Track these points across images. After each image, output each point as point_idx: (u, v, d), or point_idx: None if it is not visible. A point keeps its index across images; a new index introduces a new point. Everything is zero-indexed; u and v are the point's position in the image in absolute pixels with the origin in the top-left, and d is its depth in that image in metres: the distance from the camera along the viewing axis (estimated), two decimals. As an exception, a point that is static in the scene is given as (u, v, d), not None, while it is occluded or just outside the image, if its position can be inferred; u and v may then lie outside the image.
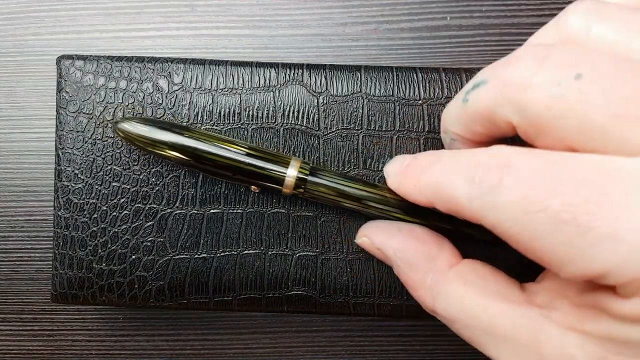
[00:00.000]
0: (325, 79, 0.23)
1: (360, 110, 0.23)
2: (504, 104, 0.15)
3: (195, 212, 0.23)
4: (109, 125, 0.23)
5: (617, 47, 0.15)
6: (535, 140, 0.16)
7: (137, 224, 0.23)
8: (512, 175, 0.14)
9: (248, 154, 0.21)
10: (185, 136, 0.21)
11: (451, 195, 0.16)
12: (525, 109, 0.15)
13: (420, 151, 0.23)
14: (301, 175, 0.21)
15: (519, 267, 0.22)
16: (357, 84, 0.23)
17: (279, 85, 0.23)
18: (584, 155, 0.14)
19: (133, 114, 0.23)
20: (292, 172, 0.21)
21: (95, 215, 0.23)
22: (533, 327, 0.16)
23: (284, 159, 0.21)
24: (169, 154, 0.21)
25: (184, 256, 0.23)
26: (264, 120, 0.23)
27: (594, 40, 0.15)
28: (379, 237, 0.21)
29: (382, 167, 0.23)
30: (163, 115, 0.23)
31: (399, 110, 0.23)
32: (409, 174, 0.19)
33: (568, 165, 0.14)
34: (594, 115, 0.14)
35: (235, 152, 0.21)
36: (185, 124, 0.22)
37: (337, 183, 0.21)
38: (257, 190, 0.22)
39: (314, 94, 0.23)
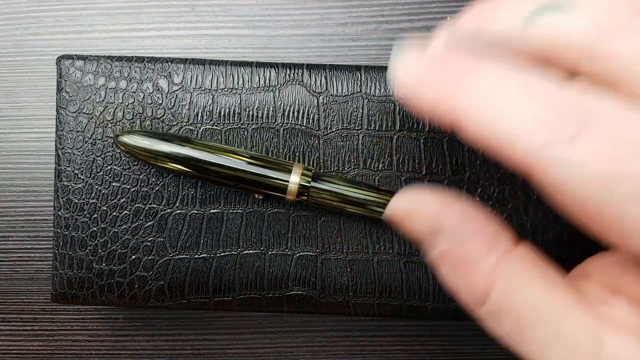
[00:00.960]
0: (325, 79, 0.23)
1: (360, 110, 0.23)
2: (585, 47, 0.13)
3: (195, 212, 0.23)
4: (109, 126, 0.23)
5: None
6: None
7: (137, 224, 0.23)
8: (593, 127, 0.12)
9: (250, 163, 0.21)
10: (187, 148, 0.21)
11: (502, 132, 0.13)
12: (608, 57, 0.13)
13: (420, 152, 0.23)
14: (304, 182, 0.21)
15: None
16: (357, 84, 0.23)
17: (279, 85, 0.23)
18: None
19: (131, 127, 0.22)
20: (294, 179, 0.21)
21: (95, 215, 0.23)
22: (593, 327, 0.14)
23: (286, 166, 0.21)
24: (171, 166, 0.21)
25: (184, 256, 0.23)
26: (264, 120, 0.23)
27: None
28: (435, 203, 0.16)
29: (383, 166, 0.22)
30: (163, 115, 0.23)
31: (399, 110, 0.23)
32: (430, 78, 0.14)
33: None
34: None
35: (237, 161, 0.21)
36: (186, 134, 0.22)
37: (340, 188, 0.21)
38: (260, 198, 0.22)
39: (314, 94, 0.23)
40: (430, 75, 0.14)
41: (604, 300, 0.15)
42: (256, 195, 0.22)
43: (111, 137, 0.23)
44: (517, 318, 0.15)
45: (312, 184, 0.21)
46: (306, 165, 0.23)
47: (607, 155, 0.12)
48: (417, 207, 0.16)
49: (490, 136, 0.13)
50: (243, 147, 0.23)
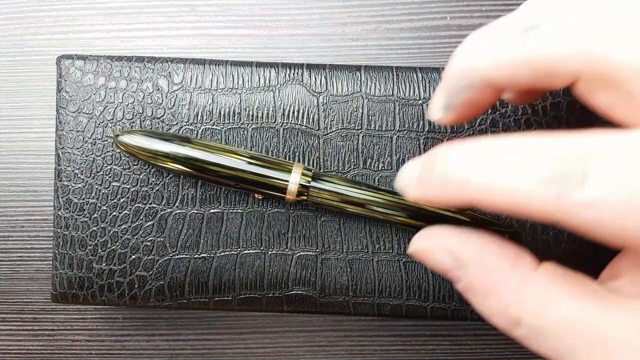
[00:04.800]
0: (325, 78, 0.23)
1: (360, 110, 0.23)
2: (579, 55, 0.13)
3: (195, 212, 0.23)
4: (109, 126, 0.23)
5: None
6: (595, 97, 0.14)
7: (137, 223, 0.23)
8: (597, 163, 0.12)
9: (250, 163, 0.21)
10: (187, 147, 0.21)
11: (512, 197, 0.13)
12: (605, 59, 0.13)
13: (420, 152, 0.23)
14: (303, 182, 0.21)
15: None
16: (357, 83, 0.23)
17: (279, 85, 0.23)
18: None
19: (131, 127, 0.23)
20: (294, 179, 0.21)
21: (95, 215, 0.23)
22: (638, 324, 0.14)
23: (285, 166, 0.21)
24: (171, 166, 0.21)
25: (184, 256, 0.23)
26: (264, 120, 0.23)
27: None
28: (452, 240, 0.17)
29: (382, 166, 0.23)
30: (163, 115, 0.23)
31: (399, 110, 0.23)
32: (428, 178, 0.16)
33: None
34: None
35: (237, 161, 0.21)
36: (186, 134, 0.22)
37: (340, 188, 0.21)
38: (260, 197, 0.22)
39: (314, 93, 0.23)
40: (423, 179, 0.16)
41: (638, 294, 0.15)
42: (256, 195, 0.22)
43: (111, 137, 0.23)
44: (556, 335, 0.15)
45: (312, 183, 0.21)
46: (306, 165, 0.23)
47: (617, 185, 0.12)
48: (437, 245, 0.17)
49: (509, 206, 0.14)
50: (243, 147, 0.23)
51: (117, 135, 0.21)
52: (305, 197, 0.21)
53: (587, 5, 0.13)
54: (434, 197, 0.16)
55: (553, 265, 0.16)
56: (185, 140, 0.21)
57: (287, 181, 0.21)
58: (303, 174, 0.21)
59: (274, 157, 0.22)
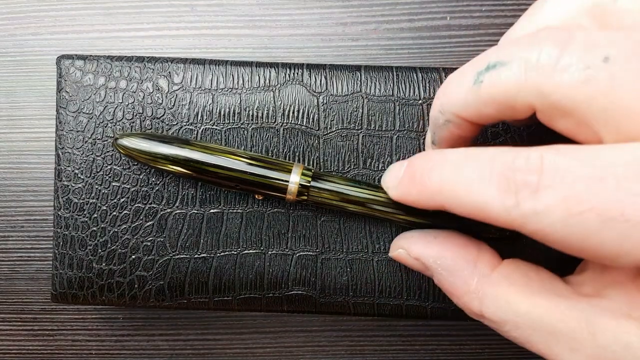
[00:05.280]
0: (325, 78, 0.23)
1: (360, 110, 0.23)
2: (529, 88, 0.15)
3: (195, 212, 0.23)
4: (109, 126, 0.23)
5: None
6: (556, 124, 0.15)
7: (137, 223, 0.23)
8: (550, 177, 0.14)
9: (249, 164, 0.21)
10: (186, 149, 0.21)
11: (477, 203, 0.15)
12: (551, 93, 0.14)
13: (420, 152, 0.23)
14: (304, 182, 0.21)
15: (550, 263, 0.22)
16: (357, 83, 0.23)
17: (279, 85, 0.23)
18: (616, 146, 0.14)
19: (131, 128, 0.23)
20: (294, 179, 0.21)
21: (95, 215, 0.23)
22: (585, 318, 0.15)
23: (285, 167, 0.21)
24: (171, 168, 0.21)
25: (184, 256, 0.23)
26: (264, 120, 0.23)
27: (620, 10, 0.15)
28: (416, 247, 0.20)
29: (382, 166, 0.23)
30: (163, 115, 0.23)
31: (399, 110, 0.23)
32: (409, 182, 0.18)
33: (603, 157, 0.13)
34: (624, 98, 0.13)
35: (236, 162, 0.21)
36: (185, 136, 0.22)
37: (340, 187, 0.21)
38: (260, 198, 0.22)
39: (314, 93, 0.23)
40: (405, 179, 0.18)
41: (598, 292, 0.16)
42: (256, 196, 0.22)
43: (111, 137, 0.23)
44: (515, 326, 0.16)
45: (312, 183, 0.21)
46: (306, 165, 0.23)
47: (564, 198, 0.13)
48: (405, 252, 0.20)
49: (471, 212, 0.16)
50: (243, 148, 0.23)
51: (116, 138, 0.21)
52: (305, 197, 0.21)
53: (539, 43, 0.15)
54: (413, 200, 0.18)
55: (513, 264, 0.18)
56: (184, 142, 0.21)
57: (287, 181, 0.21)
58: (303, 174, 0.21)
59: (273, 157, 0.22)
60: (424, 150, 0.22)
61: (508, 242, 0.22)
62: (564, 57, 0.14)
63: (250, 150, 0.23)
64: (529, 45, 0.15)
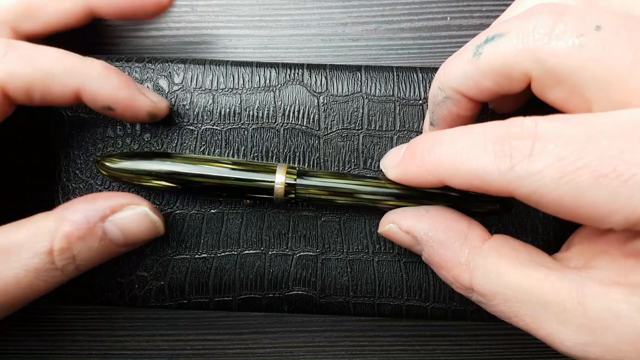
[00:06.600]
0: (326, 79, 0.23)
1: (361, 110, 0.23)
2: (525, 56, 0.16)
3: (195, 212, 0.23)
4: (110, 126, 0.23)
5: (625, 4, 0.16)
6: (549, 93, 0.16)
7: (137, 224, 0.23)
8: (543, 141, 0.14)
9: (233, 169, 0.21)
10: (168, 162, 0.21)
11: (474, 170, 0.16)
12: (546, 59, 0.15)
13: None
14: (290, 181, 0.21)
15: (536, 245, 0.22)
16: (357, 83, 0.23)
17: (279, 85, 0.23)
18: (607, 112, 0.14)
19: (112, 150, 0.22)
20: (280, 179, 0.21)
21: (96, 215, 0.23)
22: (575, 288, 0.15)
23: (269, 168, 0.21)
24: (155, 184, 0.21)
25: (184, 256, 0.23)
26: (264, 120, 0.23)
27: None
28: (407, 221, 0.20)
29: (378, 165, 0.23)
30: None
31: (399, 110, 0.23)
32: (409, 160, 0.19)
33: (594, 121, 0.14)
34: (614, 65, 0.14)
35: (220, 169, 0.21)
36: (164, 150, 0.22)
37: (326, 182, 0.21)
38: (249, 203, 0.22)
39: (314, 94, 0.23)
40: (405, 157, 0.19)
41: (585, 264, 0.17)
42: (245, 201, 0.22)
43: (112, 137, 0.23)
44: (504, 299, 0.17)
45: (298, 181, 0.21)
46: (307, 165, 0.23)
47: (558, 158, 0.14)
48: (395, 226, 0.20)
49: (469, 181, 0.16)
50: (243, 148, 0.23)
51: (97, 161, 0.21)
52: (293, 195, 0.21)
53: (536, 15, 0.16)
54: (413, 176, 0.18)
55: (502, 238, 0.19)
56: (165, 156, 0.21)
57: (273, 182, 0.21)
58: (288, 173, 0.21)
59: (256, 161, 0.22)
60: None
61: (495, 217, 0.22)
62: (559, 26, 0.15)
63: (251, 151, 0.23)
64: (525, 17, 0.16)
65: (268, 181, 0.21)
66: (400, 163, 0.19)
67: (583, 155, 0.14)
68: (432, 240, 0.19)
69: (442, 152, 0.17)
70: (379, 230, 0.22)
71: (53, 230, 0.19)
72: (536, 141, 0.14)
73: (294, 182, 0.21)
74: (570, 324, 0.15)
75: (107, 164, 0.21)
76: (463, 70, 0.18)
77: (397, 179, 0.20)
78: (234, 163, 0.21)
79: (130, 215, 0.20)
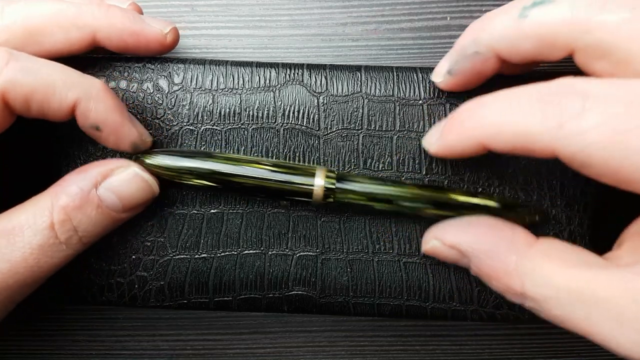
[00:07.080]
0: (326, 79, 0.23)
1: (361, 110, 0.23)
2: (573, 26, 0.16)
3: (195, 212, 0.23)
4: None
5: None
6: (595, 65, 0.16)
7: (137, 223, 0.23)
8: (595, 101, 0.14)
9: (273, 171, 0.21)
10: (210, 162, 0.21)
11: (519, 129, 0.16)
12: (595, 31, 0.15)
13: (420, 152, 0.23)
14: (328, 185, 0.21)
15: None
16: (357, 84, 0.23)
17: (279, 85, 0.23)
18: None
19: (151, 147, 0.22)
20: (319, 182, 0.21)
21: (96, 215, 0.23)
22: (627, 285, 0.15)
23: (309, 171, 0.21)
24: (196, 182, 0.21)
25: (184, 256, 0.23)
26: (264, 120, 0.23)
27: None
28: (451, 235, 0.20)
29: (383, 166, 0.23)
30: (163, 115, 0.23)
31: (399, 110, 0.23)
32: (450, 128, 0.19)
33: None
34: None
35: (261, 171, 0.21)
36: (204, 149, 0.22)
37: (366, 187, 0.21)
38: (286, 203, 0.22)
39: (314, 94, 0.23)
40: (447, 127, 0.19)
41: (637, 261, 0.16)
42: (282, 203, 0.22)
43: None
44: (557, 302, 0.16)
45: (337, 185, 0.21)
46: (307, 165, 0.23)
47: (609, 117, 0.14)
48: (440, 243, 0.20)
49: (512, 141, 0.16)
50: (243, 149, 0.23)
51: (137, 157, 0.21)
52: (332, 200, 0.21)
53: None
54: (453, 143, 0.18)
55: (548, 241, 0.18)
56: (207, 155, 0.21)
57: (313, 185, 0.21)
58: (327, 177, 0.21)
59: (295, 163, 0.22)
60: (424, 148, 0.22)
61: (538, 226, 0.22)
62: None
63: (251, 151, 0.23)
64: None
65: (307, 184, 0.21)
66: (443, 132, 0.19)
67: (634, 118, 0.14)
68: (478, 252, 0.19)
69: (484, 114, 0.17)
70: (422, 249, 0.21)
71: (50, 206, 0.19)
72: (587, 100, 0.14)
73: (333, 186, 0.21)
74: (625, 322, 0.15)
75: (147, 160, 0.21)
76: (504, 29, 0.17)
77: (438, 153, 0.20)
78: (274, 165, 0.21)
79: (122, 178, 0.20)
